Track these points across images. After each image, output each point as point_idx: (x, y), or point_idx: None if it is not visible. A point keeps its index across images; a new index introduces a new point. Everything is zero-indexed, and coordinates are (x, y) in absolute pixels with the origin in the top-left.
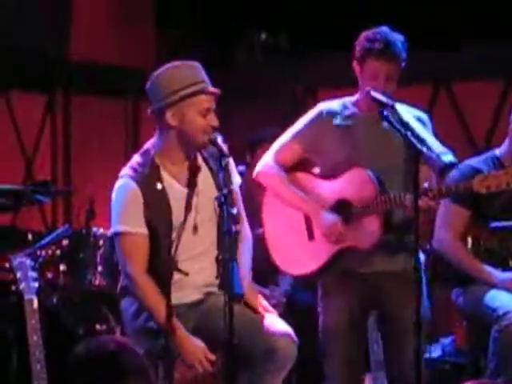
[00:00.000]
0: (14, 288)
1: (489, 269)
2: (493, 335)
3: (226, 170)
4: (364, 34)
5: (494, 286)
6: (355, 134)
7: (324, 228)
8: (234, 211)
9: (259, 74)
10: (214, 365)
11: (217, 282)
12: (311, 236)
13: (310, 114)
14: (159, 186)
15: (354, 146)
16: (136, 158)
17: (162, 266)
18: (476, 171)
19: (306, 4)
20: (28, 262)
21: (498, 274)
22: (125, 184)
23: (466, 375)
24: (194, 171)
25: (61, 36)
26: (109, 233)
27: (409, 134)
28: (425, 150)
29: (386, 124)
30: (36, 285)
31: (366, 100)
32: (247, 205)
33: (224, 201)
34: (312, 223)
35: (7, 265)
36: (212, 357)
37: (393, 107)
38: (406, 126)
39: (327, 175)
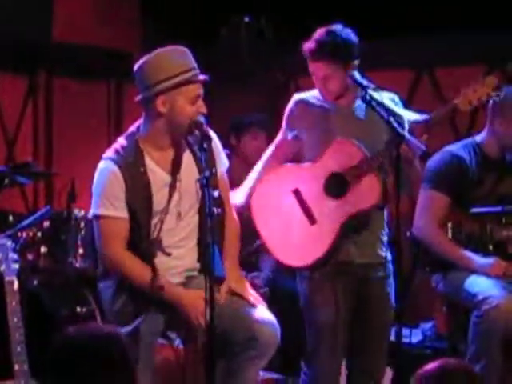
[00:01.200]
0: None
1: (468, 254)
2: (472, 320)
3: (209, 152)
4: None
5: (473, 271)
6: (329, 123)
7: None
8: (216, 194)
9: (242, 58)
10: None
11: (197, 266)
12: (312, 220)
13: (287, 109)
14: (141, 170)
15: (330, 132)
16: (120, 141)
17: (141, 251)
18: (456, 157)
19: None
20: (9, 243)
21: (477, 260)
22: (106, 167)
23: None
24: (178, 157)
25: (44, 17)
26: (89, 215)
27: (391, 118)
28: (406, 134)
29: (358, 113)
30: (16, 266)
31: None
32: (232, 188)
33: (206, 183)
34: (309, 207)
35: None
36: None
37: (375, 89)
38: (384, 107)
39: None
